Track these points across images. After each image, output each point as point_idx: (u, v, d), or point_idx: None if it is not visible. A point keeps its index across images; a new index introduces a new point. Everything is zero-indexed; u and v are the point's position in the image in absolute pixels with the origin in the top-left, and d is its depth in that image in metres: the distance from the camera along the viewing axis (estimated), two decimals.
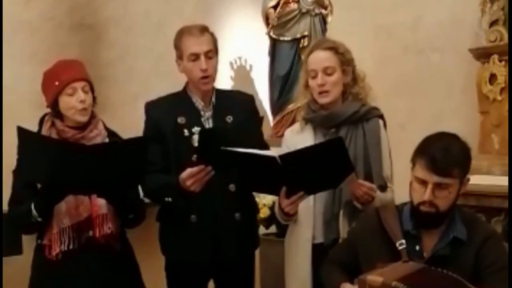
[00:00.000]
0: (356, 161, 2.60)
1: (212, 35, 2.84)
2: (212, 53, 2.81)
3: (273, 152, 2.49)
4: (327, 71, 2.67)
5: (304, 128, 2.76)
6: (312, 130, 2.74)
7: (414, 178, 2.26)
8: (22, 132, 2.39)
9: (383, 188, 2.63)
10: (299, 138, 2.74)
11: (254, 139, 2.66)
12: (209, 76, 2.81)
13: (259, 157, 2.42)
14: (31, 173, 2.45)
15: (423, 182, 2.22)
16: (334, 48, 2.70)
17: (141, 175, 2.53)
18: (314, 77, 2.69)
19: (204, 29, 2.83)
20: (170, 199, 2.74)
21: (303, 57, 4.46)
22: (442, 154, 2.20)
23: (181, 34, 2.84)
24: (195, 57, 2.78)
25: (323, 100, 2.69)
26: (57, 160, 2.32)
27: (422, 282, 2.08)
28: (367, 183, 2.54)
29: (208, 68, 2.78)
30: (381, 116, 2.75)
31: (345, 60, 2.70)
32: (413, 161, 2.29)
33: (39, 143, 2.43)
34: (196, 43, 2.79)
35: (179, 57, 2.85)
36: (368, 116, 2.70)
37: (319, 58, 2.70)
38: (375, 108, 2.75)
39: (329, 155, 2.38)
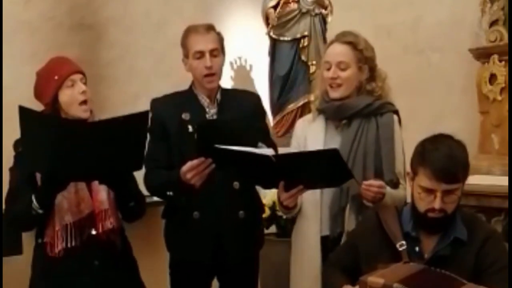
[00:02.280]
0: (366, 155, 2.59)
1: (218, 34, 2.86)
2: (218, 51, 2.83)
3: (269, 151, 2.49)
4: (340, 66, 2.65)
5: (316, 119, 2.75)
6: (324, 121, 2.73)
7: (419, 187, 2.23)
8: (23, 112, 2.36)
9: (394, 184, 2.61)
10: (310, 128, 2.74)
11: (257, 134, 2.67)
12: (214, 74, 2.82)
13: (253, 155, 2.42)
14: (32, 158, 2.42)
15: (430, 191, 2.20)
16: (353, 44, 2.66)
17: (142, 154, 2.51)
18: (328, 69, 2.69)
19: (210, 28, 2.85)
20: (171, 193, 2.75)
21: (303, 57, 4.50)
22: (448, 161, 2.18)
23: (188, 32, 2.86)
24: (200, 54, 2.80)
25: (333, 93, 2.68)
26: (60, 139, 2.30)
27: (423, 283, 2.08)
28: (375, 182, 2.52)
29: (213, 66, 2.80)
30: (396, 112, 2.73)
31: (362, 57, 2.66)
32: (414, 170, 2.27)
33: (42, 121, 2.41)
34: (202, 41, 2.81)
35: (185, 55, 2.86)
36: (382, 110, 2.67)
37: (335, 52, 2.68)
38: (390, 103, 2.72)
39: (325, 163, 2.38)
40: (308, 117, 2.84)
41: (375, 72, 2.73)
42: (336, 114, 2.69)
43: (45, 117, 2.50)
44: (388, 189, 2.56)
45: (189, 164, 2.59)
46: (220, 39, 2.87)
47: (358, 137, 2.62)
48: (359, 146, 2.62)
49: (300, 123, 2.84)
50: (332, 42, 2.74)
